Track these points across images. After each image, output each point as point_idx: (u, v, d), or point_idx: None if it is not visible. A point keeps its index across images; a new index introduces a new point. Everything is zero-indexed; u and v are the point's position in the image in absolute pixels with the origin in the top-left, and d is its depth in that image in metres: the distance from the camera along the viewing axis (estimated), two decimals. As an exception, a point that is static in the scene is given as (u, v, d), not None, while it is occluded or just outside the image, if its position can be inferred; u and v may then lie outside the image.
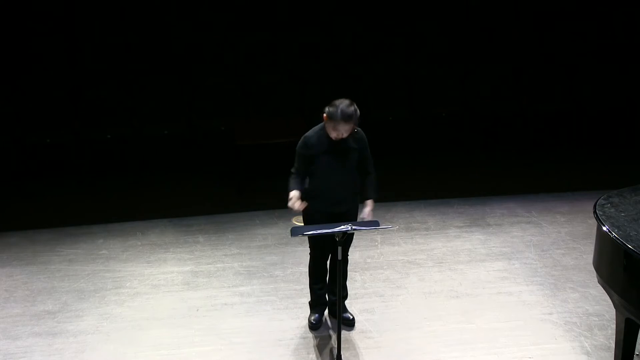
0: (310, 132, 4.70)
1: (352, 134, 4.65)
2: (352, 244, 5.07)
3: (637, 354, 4.42)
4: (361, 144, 4.73)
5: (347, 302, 5.18)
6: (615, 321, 4.27)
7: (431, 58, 8.96)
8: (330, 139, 4.61)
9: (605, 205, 4.34)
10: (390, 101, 8.65)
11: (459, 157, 8.61)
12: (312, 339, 4.93)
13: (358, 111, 4.58)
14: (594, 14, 9.14)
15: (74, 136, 8.18)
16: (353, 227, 4.27)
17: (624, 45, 9.14)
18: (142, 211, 7.20)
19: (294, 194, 4.57)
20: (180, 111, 8.47)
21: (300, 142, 4.69)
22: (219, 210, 7.21)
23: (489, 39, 9.06)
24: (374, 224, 4.43)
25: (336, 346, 4.49)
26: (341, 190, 4.70)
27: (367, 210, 4.77)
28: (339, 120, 4.50)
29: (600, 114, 8.95)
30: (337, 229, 4.25)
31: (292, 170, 4.72)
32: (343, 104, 4.53)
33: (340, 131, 4.54)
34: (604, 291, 4.32)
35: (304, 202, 4.60)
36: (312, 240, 4.84)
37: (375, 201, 4.83)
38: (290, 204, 4.54)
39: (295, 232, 4.34)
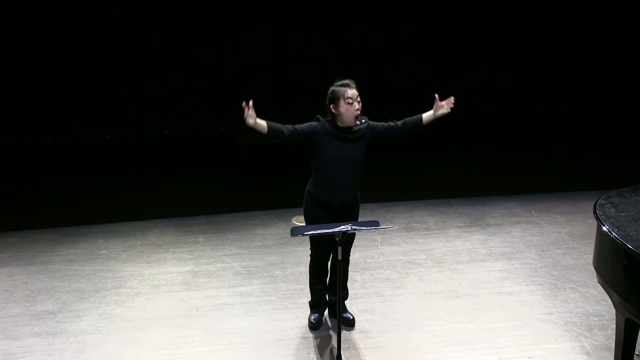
0: (325, 119, 4.66)
1: (362, 126, 4.65)
2: (352, 244, 5.06)
3: (637, 354, 4.42)
4: (370, 126, 4.69)
5: (347, 302, 5.18)
6: (615, 321, 4.27)
7: (431, 58, 8.97)
8: (340, 130, 4.60)
9: (605, 205, 4.34)
10: (390, 101, 8.66)
11: (459, 157, 8.61)
12: (312, 339, 4.93)
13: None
14: (594, 14, 9.14)
15: (74, 136, 8.18)
16: (353, 227, 4.26)
17: (624, 45, 9.15)
18: (142, 211, 7.20)
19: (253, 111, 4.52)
20: (180, 111, 8.48)
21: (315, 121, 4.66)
22: (219, 210, 7.21)
23: (489, 39, 9.07)
24: (374, 224, 4.42)
25: (336, 346, 4.49)
26: (344, 183, 4.68)
27: (435, 107, 4.70)
28: (345, 89, 4.54)
29: (600, 114, 8.96)
30: (337, 229, 4.24)
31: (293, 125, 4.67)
32: (336, 82, 4.61)
33: (354, 98, 4.54)
34: (604, 291, 4.31)
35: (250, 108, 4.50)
36: (313, 240, 4.84)
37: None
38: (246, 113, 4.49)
39: (295, 232, 4.33)
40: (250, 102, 4.52)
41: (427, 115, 4.77)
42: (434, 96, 4.72)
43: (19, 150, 8.12)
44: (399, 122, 4.78)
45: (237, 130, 7.82)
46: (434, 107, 4.74)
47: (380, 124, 4.74)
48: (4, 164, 8.09)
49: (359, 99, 4.60)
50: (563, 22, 9.13)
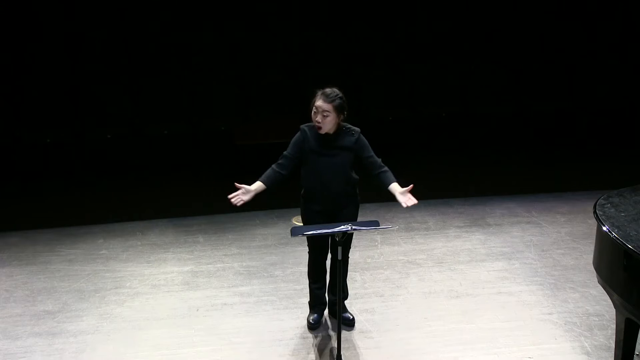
0: (308, 124, 4.72)
1: (348, 132, 4.64)
2: (352, 244, 5.06)
3: (637, 354, 4.42)
4: (358, 145, 4.65)
5: (347, 302, 5.18)
6: (615, 321, 4.27)
7: (431, 58, 8.97)
8: (322, 138, 4.61)
9: (605, 205, 4.34)
10: (390, 101, 8.66)
11: (459, 157, 8.61)
12: (312, 339, 4.93)
13: (344, 101, 4.60)
14: (594, 14, 9.15)
15: (74, 136, 8.18)
16: (353, 227, 4.26)
17: (623, 45, 9.15)
18: (142, 211, 7.20)
19: (246, 187, 4.59)
20: (180, 111, 8.47)
21: (298, 133, 4.72)
22: (219, 210, 7.21)
23: (488, 39, 9.07)
24: (374, 224, 4.42)
25: (336, 346, 4.49)
26: (333, 189, 4.67)
27: (400, 190, 4.52)
28: (319, 96, 4.56)
29: (600, 114, 8.96)
30: (337, 229, 4.24)
31: (281, 155, 4.72)
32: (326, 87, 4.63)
33: (318, 108, 4.54)
34: (604, 291, 4.32)
35: (245, 197, 4.58)
36: (311, 240, 4.84)
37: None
38: (232, 194, 4.55)
39: (295, 232, 4.33)
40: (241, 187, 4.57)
41: (393, 187, 4.61)
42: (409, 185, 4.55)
43: (19, 150, 8.12)
44: (377, 169, 4.67)
45: (237, 130, 7.82)
46: (401, 192, 4.54)
47: (369, 154, 4.66)
48: (4, 164, 8.08)
49: (325, 112, 4.54)
50: (563, 22, 9.13)
